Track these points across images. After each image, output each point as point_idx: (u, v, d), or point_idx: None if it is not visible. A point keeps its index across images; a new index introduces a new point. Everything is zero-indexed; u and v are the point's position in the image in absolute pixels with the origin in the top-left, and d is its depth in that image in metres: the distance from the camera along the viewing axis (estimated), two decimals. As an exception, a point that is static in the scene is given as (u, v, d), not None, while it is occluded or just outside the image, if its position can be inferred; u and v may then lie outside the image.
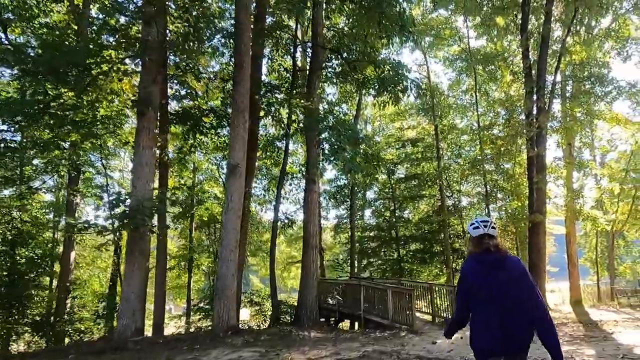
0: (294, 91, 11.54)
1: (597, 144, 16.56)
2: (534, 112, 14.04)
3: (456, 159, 22.82)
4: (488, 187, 19.60)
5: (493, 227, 2.82)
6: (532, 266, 14.06)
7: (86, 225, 10.34)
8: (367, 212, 27.00)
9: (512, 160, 17.32)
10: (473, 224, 2.88)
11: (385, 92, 10.42)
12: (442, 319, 11.64)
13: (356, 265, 25.55)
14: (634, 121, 13.65)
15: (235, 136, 9.48)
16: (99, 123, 10.12)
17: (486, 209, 20.87)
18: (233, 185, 9.32)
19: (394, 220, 23.46)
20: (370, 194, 26.07)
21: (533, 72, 14.56)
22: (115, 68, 9.30)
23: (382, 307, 11.59)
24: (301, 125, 11.62)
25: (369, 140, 21.18)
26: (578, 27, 14.20)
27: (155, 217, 10.60)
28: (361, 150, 10.79)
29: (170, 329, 16.02)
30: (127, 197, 8.88)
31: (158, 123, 11.57)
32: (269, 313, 14.53)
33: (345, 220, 25.53)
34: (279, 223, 12.46)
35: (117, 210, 8.37)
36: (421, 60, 23.28)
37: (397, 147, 23.37)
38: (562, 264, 23.00)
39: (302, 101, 10.95)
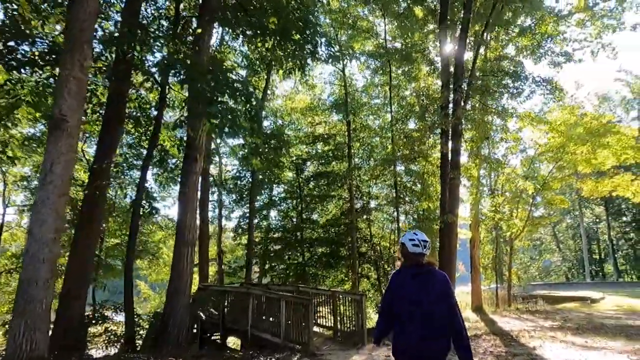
0: (175, 40, 8.60)
1: (505, 146, 16.01)
2: (450, 104, 12.78)
3: (367, 159, 21.31)
4: (398, 188, 18.25)
5: (428, 248, 2.85)
6: (442, 269, 12.62)
7: None
8: (273, 213, 24.47)
9: (424, 160, 16.07)
10: (413, 240, 2.81)
11: (288, 43, 8.05)
12: (341, 332, 9.53)
13: (258, 269, 22.83)
14: (546, 120, 13.11)
15: (65, 78, 6.30)
16: None
17: (395, 212, 19.56)
18: (55, 149, 6.13)
19: (300, 221, 21.20)
20: (277, 192, 23.63)
21: (450, 66, 13.42)
22: None
23: (275, 322, 9.08)
24: (182, 84, 8.69)
25: (281, 133, 18.73)
26: (495, 22, 13.28)
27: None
28: (249, 109, 8.14)
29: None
30: None
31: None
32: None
33: (246, 220, 22.78)
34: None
35: None
36: (336, 54, 21.54)
37: (307, 142, 21.20)
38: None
39: (184, 50, 8.11)
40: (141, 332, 11.14)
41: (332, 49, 9.15)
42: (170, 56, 8.15)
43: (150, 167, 9.85)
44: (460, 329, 2.73)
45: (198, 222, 18.10)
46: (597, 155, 17.28)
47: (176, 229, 9.08)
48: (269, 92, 17.56)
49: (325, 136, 20.96)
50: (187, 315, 8.76)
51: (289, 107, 22.10)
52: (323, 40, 8.74)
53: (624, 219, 38.14)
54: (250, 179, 17.32)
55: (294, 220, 21.87)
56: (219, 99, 6.91)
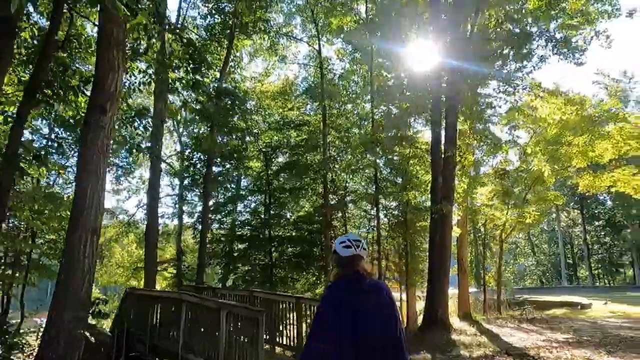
0: None
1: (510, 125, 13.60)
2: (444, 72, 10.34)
3: (344, 149, 18.69)
4: (378, 180, 15.71)
5: (364, 248, 2.30)
6: (435, 269, 10.11)
7: None
8: (240, 208, 21.49)
9: (409, 145, 13.54)
10: (343, 242, 2.32)
11: None
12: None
13: (219, 272, 19.85)
14: (561, 92, 10.70)
15: None
16: None
17: (374, 208, 16.99)
18: None
19: (268, 217, 18.34)
20: (244, 184, 20.78)
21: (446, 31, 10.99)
22: None
23: (213, 340, 6.24)
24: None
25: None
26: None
27: None
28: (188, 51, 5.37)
29: None
30: None
31: None
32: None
33: (211, 216, 19.85)
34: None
35: None
36: (313, 32, 19.04)
37: (277, 128, 18.39)
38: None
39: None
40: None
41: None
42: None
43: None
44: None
45: (147, 217, 15.16)
46: (595, 146, 15.28)
47: (72, 209, 6.13)
48: (231, 63, 14.72)
49: (298, 122, 18.26)
50: (81, 332, 5.78)
51: (259, 90, 19.30)
52: None
53: (597, 223, 37.04)
54: (204, 160, 14.21)
55: (262, 216, 19.04)
56: None
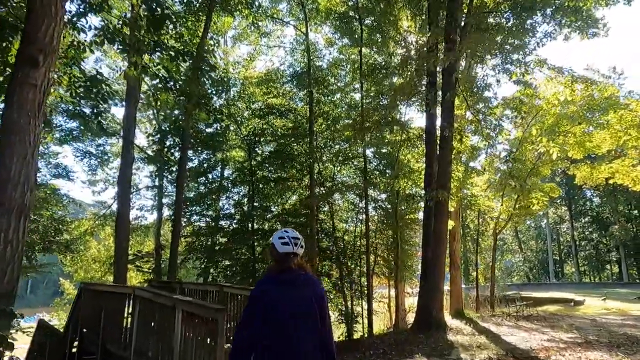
0: None
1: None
2: (442, 45, 9.31)
3: (331, 139, 17.59)
4: (368, 170, 14.70)
5: (302, 247, 2.33)
6: (429, 264, 9.08)
7: None
8: (223, 200, 20.27)
9: (401, 130, 12.54)
10: (282, 238, 2.30)
11: None
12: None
13: (199, 267, 18.65)
14: (567, 72, 9.71)
15: None
16: None
17: (363, 201, 15.97)
18: None
19: (251, 209, 17.21)
20: (227, 174, 19.59)
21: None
22: None
23: (168, 344, 5.11)
24: None
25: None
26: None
27: None
28: None
29: None
30: None
31: None
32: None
33: (193, 208, 18.73)
34: None
35: None
36: (300, 17, 17.90)
37: (261, 115, 17.19)
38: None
39: None
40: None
41: None
42: None
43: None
44: (331, 350, 2.20)
45: (120, 208, 13.79)
46: (593, 136, 14.48)
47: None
48: (211, 41, 13.45)
49: (283, 109, 17.09)
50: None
51: (242, 75, 18.07)
52: None
53: (584, 219, 36.66)
54: (178, 143, 12.94)
55: (245, 208, 17.91)
56: None
